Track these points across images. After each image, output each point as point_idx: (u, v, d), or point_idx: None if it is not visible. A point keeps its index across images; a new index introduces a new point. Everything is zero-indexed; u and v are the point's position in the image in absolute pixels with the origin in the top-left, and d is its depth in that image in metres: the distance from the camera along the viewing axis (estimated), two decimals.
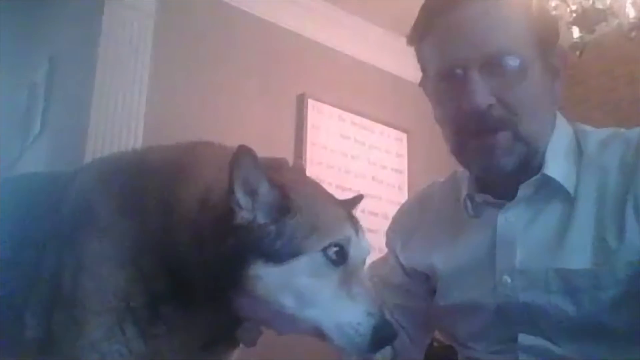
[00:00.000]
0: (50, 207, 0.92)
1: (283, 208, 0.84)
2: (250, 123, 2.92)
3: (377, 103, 3.50)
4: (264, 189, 0.84)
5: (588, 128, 1.06)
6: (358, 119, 3.38)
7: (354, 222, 0.92)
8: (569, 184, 0.98)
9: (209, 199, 0.85)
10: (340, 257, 0.86)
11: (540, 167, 1.00)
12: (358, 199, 1.08)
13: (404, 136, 3.55)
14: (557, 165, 0.99)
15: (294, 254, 0.82)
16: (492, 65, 0.95)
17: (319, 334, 0.84)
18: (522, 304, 0.98)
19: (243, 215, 0.82)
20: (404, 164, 3.53)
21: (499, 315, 1.00)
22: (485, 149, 0.98)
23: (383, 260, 1.27)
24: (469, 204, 1.07)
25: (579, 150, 1.02)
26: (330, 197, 0.93)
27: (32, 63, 3.43)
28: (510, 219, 1.01)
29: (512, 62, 0.95)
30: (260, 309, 0.84)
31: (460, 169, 1.13)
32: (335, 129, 3.28)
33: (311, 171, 3.12)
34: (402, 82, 3.67)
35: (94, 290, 0.84)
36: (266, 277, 0.81)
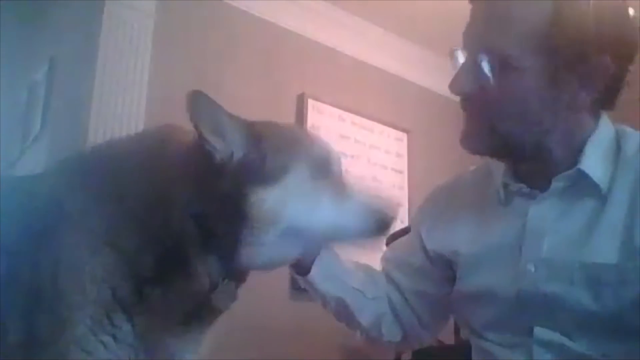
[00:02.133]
0: (19, 212, 0.90)
1: (253, 135, 0.88)
2: None
3: (377, 103, 3.50)
4: (228, 124, 0.88)
5: (630, 130, 1.07)
6: (358, 119, 3.38)
7: (319, 137, 0.97)
8: (602, 181, 0.99)
9: (191, 156, 0.88)
10: (324, 170, 0.91)
11: (577, 162, 1.01)
12: None
13: (404, 136, 3.55)
14: (593, 162, 1.00)
15: (284, 171, 0.87)
16: (483, 58, 0.97)
17: (328, 238, 0.90)
18: (542, 294, 0.99)
19: (220, 154, 0.86)
20: (404, 164, 3.53)
21: (518, 304, 1.01)
22: (463, 126, 1.04)
23: (405, 242, 1.30)
24: (501, 191, 1.08)
25: (618, 150, 1.03)
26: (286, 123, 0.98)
27: (32, 63, 3.43)
28: (542, 210, 1.03)
29: (498, 61, 0.96)
30: (269, 240, 0.86)
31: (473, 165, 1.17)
32: (335, 129, 3.28)
33: None
34: (402, 82, 3.67)
35: (73, 283, 0.83)
36: (268, 198, 0.85)
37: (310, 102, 3.20)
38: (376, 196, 0.94)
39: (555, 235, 1.01)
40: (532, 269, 1.00)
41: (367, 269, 1.28)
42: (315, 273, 1.16)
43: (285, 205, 0.86)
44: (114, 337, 0.85)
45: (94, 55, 2.58)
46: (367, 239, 0.91)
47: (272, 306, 2.66)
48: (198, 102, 0.86)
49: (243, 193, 0.84)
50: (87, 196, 0.87)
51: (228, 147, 0.86)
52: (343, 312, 1.23)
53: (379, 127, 3.46)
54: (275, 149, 0.88)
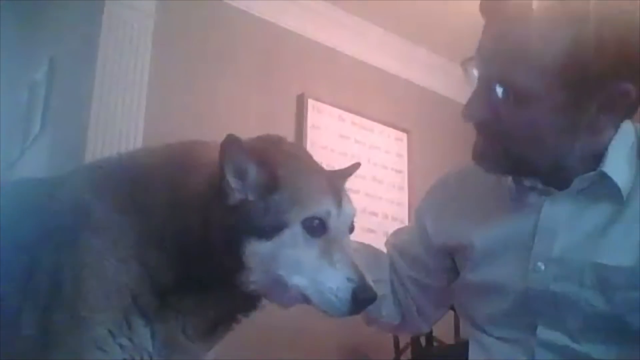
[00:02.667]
0: (39, 211, 0.94)
1: (270, 184, 0.92)
2: (249, 123, 2.92)
3: (377, 103, 3.50)
4: (252, 169, 0.91)
5: None
6: (358, 119, 3.38)
7: (337, 193, 0.98)
8: (624, 184, 0.98)
9: (213, 184, 0.91)
10: (319, 228, 0.93)
11: (599, 163, 0.99)
12: (354, 167, 1.14)
13: (404, 136, 3.56)
14: (616, 165, 0.99)
15: (279, 228, 0.90)
16: (497, 88, 0.95)
17: (306, 299, 0.92)
18: (550, 293, 0.98)
19: (235, 196, 0.90)
20: (404, 164, 3.53)
21: (523, 300, 1.01)
22: (476, 145, 1.03)
23: (406, 230, 1.30)
24: (513, 186, 1.07)
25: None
26: (318, 169, 1.00)
27: (32, 63, 3.43)
28: (557, 208, 1.02)
29: (515, 91, 0.94)
30: (261, 282, 0.91)
31: None
32: (335, 129, 3.28)
33: None
34: (402, 82, 3.67)
35: (98, 287, 0.87)
36: (260, 252, 0.89)
37: (310, 102, 3.20)
38: (360, 272, 0.93)
39: (568, 235, 0.99)
40: (542, 267, 0.99)
41: (372, 251, 1.28)
42: None
43: (274, 260, 0.90)
44: (131, 340, 0.89)
45: (94, 55, 2.59)
46: (342, 313, 0.92)
47: (272, 306, 2.66)
48: (229, 146, 0.90)
49: (240, 240, 0.89)
50: (114, 206, 0.92)
51: (244, 191, 0.91)
52: None
53: (379, 127, 3.46)
54: (279, 205, 0.91)
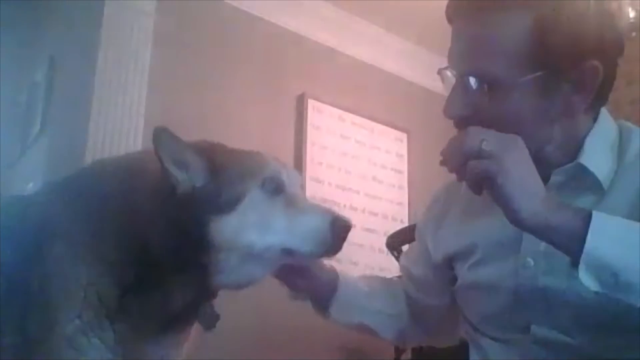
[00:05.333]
0: (13, 234, 0.96)
1: (212, 167, 0.94)
2: (250, 123, 2.92)
3: (377, 103, 3.50)
4: (190, 156, 0.94)
5: (635, 127, 1.06)
6: (358, 119, 3.38)
7: (276, 159, 1.02)
8: (604, 177, 0.98)
9: (159, 186, 0.94)
10: (277, 187, 0.97)
11: (576, 157, 1.00)
12: None
13: (404, 136, 3.55)
14: (594, 157, 0.99)
15: (238, 198, 0.93)
16: (471, 81, 0.97)
17: (288, 254, 0.95)
18: (541, 288, 0.99)
19: (182, 186, 0.93)
20: (404, 164, 3.52)
21: (516, 298, 1.01)
22: None
23: (410, 251, 1.32)
24: None
25: (622, 147, 1.02)
26: (246, 150, 1.04)
27: (32, 63, 3.43)
28: None
29: (487, 81, 0.96)
30: (230, 261, 0.93)
31: None
32: (336, 129, 3.28)
33: (311, 171, 3.12)
34: (402, 82, 3.67)
35: (61, 288, 0.90)
36: (225, 226, 0.91)
37: (310, 102, 3.20)
38: (329, 209, 0.98)
39: None
40: (532, 262, 1.00)
41: (385, 284, 1.30)
42: (334, 310, 1.19)
43: (243, 230, 0.92)
44: (100, 339, 0.90)
45: (94, 55, 2.58)
46: (327, 248, 0.95)
47: (272, 306, 2.66)
48: (161, 137, 0.92)
49: (203, 222, 0.91)
50: (72, 215, 0.95)
51: (190, 179, 0.93)
52: (367, 332, 1.26)
53: (379, 127, 3.46)
54: (230, 178, 0.94)
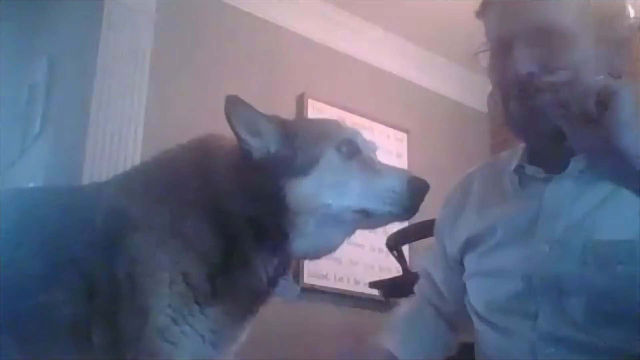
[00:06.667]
0: (81, 224, 0.97)
1: (286, 132, 0.96)
2: None
3: (377, 103, 3.49)
4: (263, 122, 0.96)
5: None
6: (358, 118, 3.37)
7: (351, 126, 1.05)
8: None
9: (233, 158, 0.96)
10: (353, 150, 0.98)
11: None
12: None
13: (404, 136, 3.55)
14: None
15: (314, 160, 0.94)
16: (537, 35, 1.00)
17: (366, 216, 0.95)
18: (554, 275, 0.99)
19: (257, 152, 0.94)
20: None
21: (527, 285, 1.02)
22: (525, 112, 1.03)
23: (430, 253, 1.32)
24: (516, 176, 1.09)
25: None
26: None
27: (32, 63, 3.43)
28: (558, 191, 1.03)
29: (557, 32, 0.99)
30: (309, 228, 0.93)
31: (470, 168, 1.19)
32: None
33: None
34: (403, 82, 3.67)
35: (147, 274, 0.90)
36: (302, 189, 0.92)
37: (310, 102, 3.20)
38: (405, 170, 1.00)
39: (570, 216, 1.01)
40: (547, 249, 1.01)
41: (415, 309, 1.29)
42: None
43: (319, 192, 0.93)
44: (192, 327, 0.91)
45: (94, 55, 2.58)
46: (404, 208, 0.95)
47: (273, 306, 2.66)
48: (234, 105, 0.93)
49: (280, 186, 0.92)
50: (148, 201, 0.96)
51: (264, 144, 0.94)
52: None
53: (379, 127, 3.46)
54: (305, 142, 0.95)
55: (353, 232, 1.01)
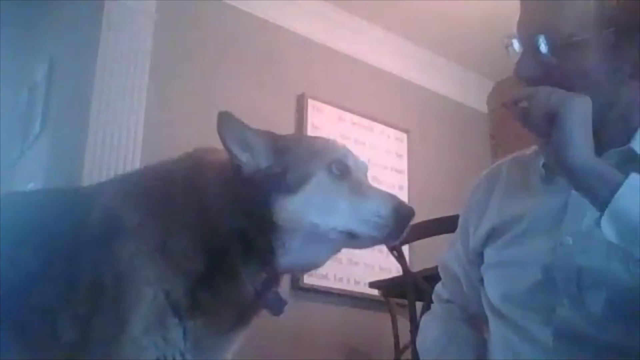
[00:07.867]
0: (75, 223, 0.98)
1: (277, 148, 0.97)
2: (250, 122, 2.91)
3: (377, 103, 3.50)
4: (253, 138, 0.97)
5: None
6: (358, 118, 3.38)
7: (344, 145, 1.04)
8: None
9: (223, 172, 0.97)
10: (343, 171, 0.98)
11: (629, 141, 1.01)
12: None
13: (404, 136, 3.55)
14: None
15: (305, 179, 0.94)
16: (541, 41, 0.99)
17: (351, 238, 0.95)
18: (575, 268, 0.99)
19: (247, 168, 0.95)
20: (404, 164, 3.52)
21: (547, 276, 1.01)
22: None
23: (450, 249, 1.31)
24: (543, 171, 1.09)
25: None
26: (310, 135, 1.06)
27: (32, 63, 3.43)
28: None
29: (560, 40, 0.98)
30: (296, 245, 0.94)
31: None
32: (335, 129, 3.28)
33: None
34: (403, 82, 3.67)
35: (132, 287, 0.91)
36: (290, 206, 0.93)
37: (310, 102, 3.20)
38: (393, 195, 0.99)
39: (596, 212, 0.99)
40: (570, 241, 1.00)
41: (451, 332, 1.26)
42: None
43: (307, 210, 0.94)
44: (164, 339, 0.92)
45: (94, 55, 2.58)
46: (388, 233, 0.96)
47: None
48: (226, 121, 0.95)
49: (269, 202, 0.92)
50: (141, 212, 0.96)
51: (255, 160, 0.95)
52: None
53: (379, 127, 3.46)
54: (296, 160, 0.96)
55: (338, 250, 1.02)
